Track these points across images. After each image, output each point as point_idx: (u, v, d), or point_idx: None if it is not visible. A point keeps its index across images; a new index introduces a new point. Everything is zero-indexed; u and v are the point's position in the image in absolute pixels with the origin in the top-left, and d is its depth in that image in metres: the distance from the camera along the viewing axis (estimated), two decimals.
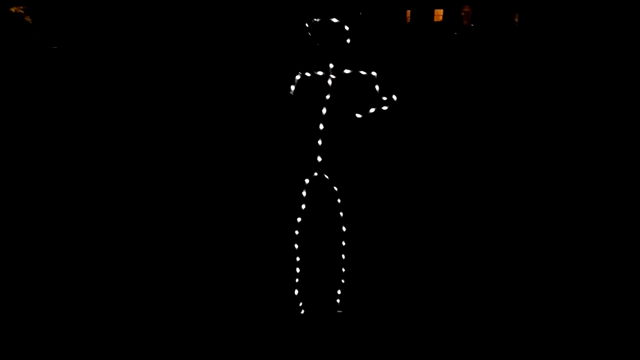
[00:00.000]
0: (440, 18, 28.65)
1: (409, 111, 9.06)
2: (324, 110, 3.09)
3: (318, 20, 3.25)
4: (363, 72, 3.09)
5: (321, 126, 3.10)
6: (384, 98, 3.22)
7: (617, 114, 8.55)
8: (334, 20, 3.23)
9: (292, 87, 3.26)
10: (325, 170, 3.17)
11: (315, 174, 3.17)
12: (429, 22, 28.83)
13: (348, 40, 3.06)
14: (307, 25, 3.22)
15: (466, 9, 26.91)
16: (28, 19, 24.62)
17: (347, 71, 3.03)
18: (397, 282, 4.03)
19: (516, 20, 24.57)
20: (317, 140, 3.10)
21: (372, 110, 3.16)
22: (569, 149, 6.64)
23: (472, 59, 19.07)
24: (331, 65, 3.05)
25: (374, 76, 3.32)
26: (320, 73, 3.09)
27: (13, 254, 4.29)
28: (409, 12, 30.20)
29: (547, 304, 3.56)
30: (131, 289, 3.72)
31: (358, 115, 3.33)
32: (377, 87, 3.17)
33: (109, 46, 22.34)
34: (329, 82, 3.08)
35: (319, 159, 3.11)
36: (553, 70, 14.68)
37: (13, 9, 24.48)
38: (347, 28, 3.17)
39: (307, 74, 3.15)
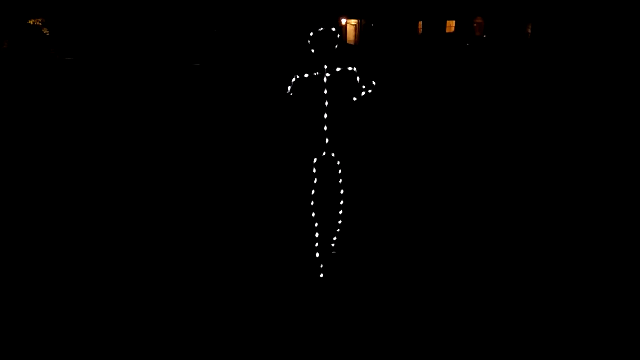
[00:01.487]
0: (453, 29, 28.70)
1: (423, 119, 9.14)
2: (326, 103, 3.59)
3: (320, 29, 3.62)
4: (350, 68, 3.66)
5: (325, 115, 3.61)
6: (364, 87, 3.72)
7: (631, 122, 8.50)
8: (332, 29, 3.63)
9: (289, 88, 3.67)
10: (332, 150, 3.68)
11: (324, 153, 3.68)
12: (441, 33, 28.87)
13: (336, 46, 3.59)
14: (309, 34, 3.59)
15: (478, 20, 26.98)
16: (46, 31, 25.11)
17: (338, 69, 3.62)
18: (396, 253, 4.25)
19: (529, 31, 24.53)
20: (323, 126, 3.62)
21: (355, 98, 3.69)
22: (581, 155, 6.60)
23: (485, 69, 19.05)
24: (325, 66, 3.59)
25: (358, 71, 3.68)
26: (316, 73, 3.61)
27: (15, 253, 4.30)
28: (420, 23, 30.29)
29: (543, 298, 3.51)
30: (147, 277, 3.74)
31: (354, 99, 3.69)
32: (358, 79, 3.66)
33: (122, 57, 22.64)
34: (325, 80, 3.62)
35: (327, 140, 3.64)
36: (566, 80, 14.57)
37: (31, 21, 24.99)
38: (338, 35, 3.60)
39: (305, 75, 3.59)
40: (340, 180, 3.79)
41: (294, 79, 3.67)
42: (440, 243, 4.45)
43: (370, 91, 3.76)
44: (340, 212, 3.84)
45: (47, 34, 24.80)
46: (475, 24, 26.71)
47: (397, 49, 28.87)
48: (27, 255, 4.16)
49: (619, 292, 3.62)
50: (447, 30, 28.18)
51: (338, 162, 3.75)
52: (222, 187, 5.83)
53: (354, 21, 38.89)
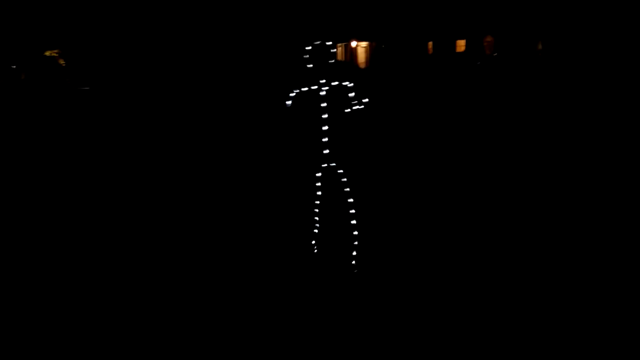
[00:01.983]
0: (463, 48, 28.72)
1: (433, 134, 9.13)
2: (325, 115, 3.78)
3: (317, 43, 3.83)
4: (345, 83, 3.83)
5: (325, 127, 3.81)
6: (356, 102, 3.86)
7: None
8: (328, 43, 3.86)
9: (288, 102, 3.85)
10: (332, 160, 3.86)
11: (324, 165, 3.90)
12: (451, 52, 28.91)
13: (332, 61, 3.75)
14: (307, 48, 3.81)
15: (488, 39, 26.96)
16: (61, 62, 25.64)
17: (334, 83, 3.80)
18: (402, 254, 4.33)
19: (540, 48, 24.43)
20: (322, 137, 3.80)
21: (347, 110, 3.85)
22: (593, 171, 6.51)
23: (496, 87, 18.98)
24: (323, 80, 3.76)
25: (353, 86, 3.87)
26: (314, 87, 3.79)
27: (16, 253, 4.35)
28: (430, 43, 30.38)
29: (543, 297, 3.43)
30: (150, 273, 3.73)
31: (347, 110, 3.88)
32: (352, 95, 3.83)
33: (135, 88, 23.08)
34: (322, 93, 3.82)
35: (326, 151, 3.82)
36: (577, 98, 14.46)
37: (48, 53, 25.53)
38: (332, 50, 3.81)
39: (304, 89, 3.78)
40: (345, 188, 3.97)
41: (293, 94, 3.76)
42: (444, 249, 4.43)
43: (361, 107, 3.96)
44: (352, 221, 3.90)
45: (63, 65, 25.31)
46: (485, 43, 26.70)
47: (409, 70, 28.96)
48: (28, 255, 4.17)
49: (619, 292, 3.54)
50: (458, 50, 28.21)
51: (340, 171, 3.88)
52: (225, 199, 5.94)
53: (364, 44, 39.19)
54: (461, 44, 28.18)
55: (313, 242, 4.07)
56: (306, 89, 3.87)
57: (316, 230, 4.05)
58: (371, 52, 37.14)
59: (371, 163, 7.40)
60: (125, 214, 5.72)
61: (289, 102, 3.95)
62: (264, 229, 4.93)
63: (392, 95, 17.77)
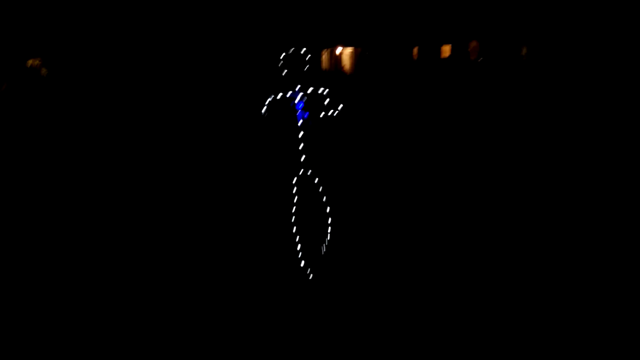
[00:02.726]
0: (448, 54, 28.90)
1: (417, 139, 9.14)
2: (300, 121, 3.80)
3: (292, 50, 3.83)
4: (322, 89, 3.86)
5: (301, 133, 3.84)
6: (331, 109, 3.88)
7: (629, 144, 8.48)
8: (304, 50, 3.87)
9: (264, 109, 3.86)
10: (308, 166, 3.91)
11: (301, 170, 3.94)
12: (436, 58, 29.07)
13: (306, 67, 3.78)
14: (284, 54, 3.85)
15: (473, 44, 27.18)
16: (44, 71, 25.33)
17: (310, 89, 3.82)
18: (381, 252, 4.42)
19: (524, 53, 24.64)
20: (299, 144, 3.84)
21: (323, 116, 3.86)
22: (579, 177, 6.53)
23: (480, 92, 19.13)
24: (298, 86, 3.80)
25: (329, 93, 3.86)
26: (289, 93, 3.82)
27: (15, 253, 4.30)
28: (416, 48, 30.52)
29: (537, 297, 3.41)
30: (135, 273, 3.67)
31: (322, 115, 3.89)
32: (327, 101, 3.86)
33: (121, 97, 22.92)
34: (297, 99, 3.84)
35: (303, 157, 3.87)
36: (562, 103, 14.58)
37: (30, 62, 25.23)
38: (309, 57, 3.82)
39: (280, 95, 3.79)
40: (321, 196, 3.99)
41: (268, 100, 3.81)
42: (437, 250, 4.45)
43: (335, 114, 3.88)
44: (327, 224, 4.00)
45: (46, 74, 25.03)
46: (470, 48, 26.87)
47: (394, 75, 29.06)
48: (28, 255, 4.12)
49: (619, 292, 3.53)
50: (442, 55, 28.37)
51: (316, 180, 3.93)
52: (206, 203, 6.00)
53: (349, 49, 39.29)
54: (446, 49, 28.34)
55: (299, 242, 4.09)
56: (282, 94, 3.94)
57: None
58: (356, 58, 37.26)
59: (356, 169, 7.37)
60: (115, 220, 5.63)
61: (264, 109, 4.01)
62: (255, 228, 4.97)
63: (377, 101, 17.80)
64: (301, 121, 3.87)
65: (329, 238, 4.18)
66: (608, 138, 9.03)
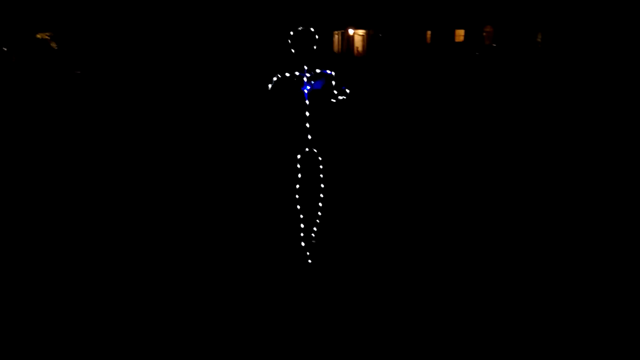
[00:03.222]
0: (462, 38, 28.48)
1: (427, 125, 8.97)
2: (307, 102, 3.78)
3: (300, 29, 3.74)
4: (328, 72, 3.81)
5: (307, 113, 3.79)
6: (337, 92, 3.92)
7: None
8: (311, 29, 3.77)
9: (270, 85, 3.82)
10: (314, 146, 3.87)
11: (307, 149, 3.89)
12: (449, 42, 28.66)
13: (315, 47, 3.75)
14: (290, 34, 3.74)
15: (488, 29, 26.76)
16: (53, 45, 25.27)
17: (317, 70, 3.77)
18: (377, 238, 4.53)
19: (539, 39, 24.23)
20: (305, 123, 3.81)
21: (334, 99, 3.89)
22: (592, 162, 6.36)
23: (495, 78, 18.81)
24: (306, 67, 3.75)
25: (335, 75, 3.87)
26: (297, 73, 3.78)
27: (14, 253, 4.23)
28: (429, 32, 30.12)
29: (539, 296, 3.32)
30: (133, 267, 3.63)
31: (333, 100, 3.90)
32: (333, 83, 3.87)
33: (128, 71, 22.82)
34: (304, 79, 3.79)
35: (309, 137, 3.83)
36: (576, 90, 14.30)
37: (39, 35, 25.17)
38: (317, 37, 3.73)
39: (287, 74, 3.77)
40: (321, 175, 3.93)
41: (275, 78, 3.81)
42: (421, 232, 4.41)
43: (343, 97, 3.91)
44: (321, 204, 4.00)
45: (55, 48, 24.96)
46: (484, 33, 26.48)
47: (406, 59, 28.70)
48: (28, 255, 4.10)
49: (619, 292, 3.47)
50: (457, 40, 27.97)
51: (320, 158, 3.91)
52: (209, 182, 6.01)
53: (361, 31, 38.87)
54: (460, 34, 27.92)
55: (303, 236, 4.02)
56: (288, 75, 3.89)
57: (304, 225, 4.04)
58: (368, 40, 36.83)
59: (367, 154, 7.23)
60: (109, 202, 5.55)
61: (270, 86, 3.93)
62: (249, 217, 4.92)
63: (389, 84, 17.57)
64: (307, 101, 3.79)
65: (327, 220, 4.14)
66: (624, 128, 8.83)
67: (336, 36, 41.41)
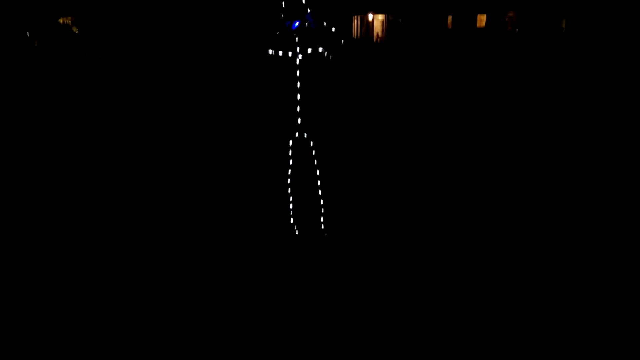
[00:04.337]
0: (484, 24, 28.04)
1: (448, 112, 8.87)
2: (298, 84, 3.77)
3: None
4: (320, 50, 3.76)
5: (298, 96, 3.78)
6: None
7: None
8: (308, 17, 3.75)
9: (270, 51, 3.81)
10: (304, 130, 3.89)
11: (297, 133, 3.91)
12: (471, 27, 28.24)
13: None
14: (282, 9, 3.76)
15: (510, 14, 26.29)
16: (75, 29, 25.46)
17: (309, 50, 3.75)
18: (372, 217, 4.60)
19: (563, 26, 23.74)
20: (296, 107, 3.80)
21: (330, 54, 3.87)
22: (619, 154, 6.26)
23: (517, 64, 18.50)
24: (298, 48, 3.74)
25: (328, 55, 3.84)
26: (289, 54, 3.78)
27: (13, 253, 4.28)
28: (450, 17, 29.69)
29: (539, 296, 3.30)
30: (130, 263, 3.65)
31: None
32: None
33: (149, 55, 22.94)
34: (297, 61, 3.78)
35: (299, 120, 3.83)
36: (601, 77, 14.01)
37: (61, 20, 25.37)
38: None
39: (280, 53, 3.78)
40: (315, 161, 3.97)
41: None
42: (415, 222, 4.38)
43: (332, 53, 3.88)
44: (320, 192, 4.03)
45: (77, 33, 25.14)
46: (507, 18, 26.01)
47: (426, 44, 28.33)
48: (28, 255, 4.15)
49: (619, 292, 3.45)
50: (478, 25, 27.53)
51: (311, 143, 3.92)
52: (200, 170, 6.04)
53: (381, 16, 38.46)
54: (482, 19, 27.47)
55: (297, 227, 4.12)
56: (281, 54, 3.87)
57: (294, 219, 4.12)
58: (388, 25, 36.44)
59: (383, 140, 7.20)
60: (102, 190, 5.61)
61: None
62: (241, 204, 4.97)
63: (407, 71, 17.41)
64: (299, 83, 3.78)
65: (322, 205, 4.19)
66: None
67: (355, 21, 41.04)
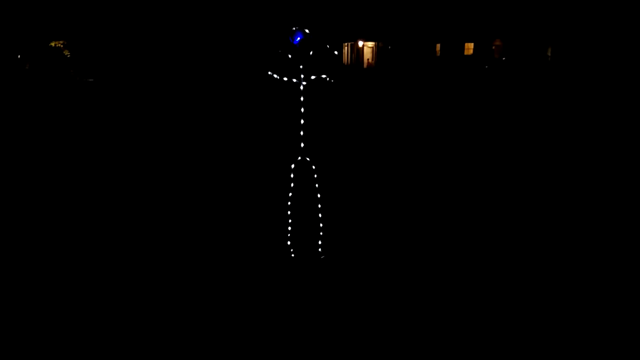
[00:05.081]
0: (471, 52, 28.55)
1: (434, 136, 8.98)
2: (302, 109, 3.86)
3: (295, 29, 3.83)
4: (324, 76, 3.86)
5: (302, 121, 3.87)
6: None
7: None
8: (307, 31, 3.83)
9: (270, 73, 3.89)
10: (306, 154, 3.97)
11: (299, 157, 3.99)
12: (459, 55, 28.73)
13: (311, 52, 3.83)
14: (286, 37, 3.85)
15: (497, 43, 26.80)
16: (67, 52, 25.56)
17: (312, 77, 3.84)
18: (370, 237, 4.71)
19: (549, 54, 24.24)
20: (300, 131, 3.90)
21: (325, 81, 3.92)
22: (603, 178, 6.36)
23: (504, 92, 18.82)
24: (302, 75, 3.83)
25: (331, 81, 3.92)
26: (294, 80, 3.85)
27: (13, 253, 4.26)
28: (438, 45, 30.22)
29: (538, 296, 3.32)
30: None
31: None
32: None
33: (140, 79, 23.06)
34: (301, 87, 3.85)
35: (302, 145, 3.93)
36: (587, 105, 14.28)
37: (53, 44, 25.47)
38: (311, 39, 3.82)
39: (284, 79, 3.84)
40: (317, 184, 4.02)
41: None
42: (412, 248, 4.43)
43: (330, 80, 3.92)
44: (320, 214, 4.05)
45: (68, 56, 25.24)
46: (494, 47, 26.54)
47: (415, 71, 28.76)
48: (27, 255, 4.13)
49: (619, 292, 3.46)
50: (466, 53, 28.03)
51: (313, 167, 3.98)
52: (202, 188, 6.13)
53: (371, 43, 39.07)
54: (469, 47, 27.99)
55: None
56: (286, 79, 3.86)
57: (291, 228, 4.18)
58: (378, 52, 36.98)
59: (371, 162, 7.27)
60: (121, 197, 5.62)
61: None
62: (241, 223, 5.02)
63: (397, 96, 17.63)
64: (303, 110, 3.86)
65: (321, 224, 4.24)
66: (635, 138, 8.81)
67: (346, 48, 41.65)
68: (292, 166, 3.95)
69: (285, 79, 3.74)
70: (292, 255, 4.13)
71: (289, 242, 4.12)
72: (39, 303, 3.41)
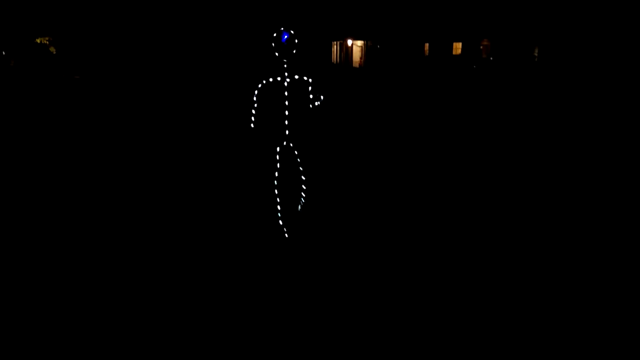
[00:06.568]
0: (459, 51, 28.66)
1: (423, 135, 9.00)
2: (286, 103, 4.26)
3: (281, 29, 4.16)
4: (305, 78, 4.30)
5: (286, 112, 4.29)
6: (314, 99, 4.42)
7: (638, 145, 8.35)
8: (291, 32, 4.17)
9: (256, 93, 4.28)
10: (291, 141, 4.37)
11: (284, 143, 4.37)
12: (447, 55, 28.84)
13: (294, 51, 4.14)
14: (273, 36, 4.15)
15: (485, 43, 26.94)
16: (52, 49, 25.33)
17: (296, 76, 4.26)
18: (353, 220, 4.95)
19: (536, 54, 24.41)
20: (285, 121, 4.33)
21: (311, 105, 4.40)
22: (589, 179, 6.42)
23: (491, 91, 18.92)
24: (286, 74, 4.21)
25: (310, 81, 4.34)
26: (278, 79, 4.22)
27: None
28: (427, 45, 30.30)
29: (538, 296, 3.33)
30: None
31: (311, 105, 4.41)
32: (310, 89, 4.35)
33: (127, 76, 22.90)
34: (285, 84, 4.24)
35: (287, 132, 4.33)
36: (573, 104, 14.40)
37: (38, 40, 25.22)
38: (296, 40, 4.12)
39: (270, 80, 4.22)
40: (300, 167, 4.44)
41: (260, 85, 4.23)
42: (395, 223, 4.53)
43: (317, 103, 4.41)
44: (303, 187, 4.49)
45: (54, 53, 25.00)
46: (482, 47, 26.68)
47: (403, 70, 28.83)
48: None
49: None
50: (454, 53, 28.16)
51: (296, 152, 4.38)
52: (196, 175, 6.30)
53: (360, 42, 39.09)
54: (457, 47, 28.12)
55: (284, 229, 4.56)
56: (271, 80, 4.27)
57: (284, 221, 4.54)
58: (367, 51, 37.04)
59: (361, 166, 7.27)
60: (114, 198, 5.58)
61: (255, 94, 4.36)
62: (232, 204, 5.18)
63: (386, 95, 17.66)
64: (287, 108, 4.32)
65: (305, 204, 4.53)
66: (619, 138, 8.90)
67: (335, 47, 41.63)
68: (277, 157, 4.35)
69: (270, 79, 4.15)
70: (286, 235, 4.44)
71: (281, 222, 4.44)
72: (35, 302, 3.39)
